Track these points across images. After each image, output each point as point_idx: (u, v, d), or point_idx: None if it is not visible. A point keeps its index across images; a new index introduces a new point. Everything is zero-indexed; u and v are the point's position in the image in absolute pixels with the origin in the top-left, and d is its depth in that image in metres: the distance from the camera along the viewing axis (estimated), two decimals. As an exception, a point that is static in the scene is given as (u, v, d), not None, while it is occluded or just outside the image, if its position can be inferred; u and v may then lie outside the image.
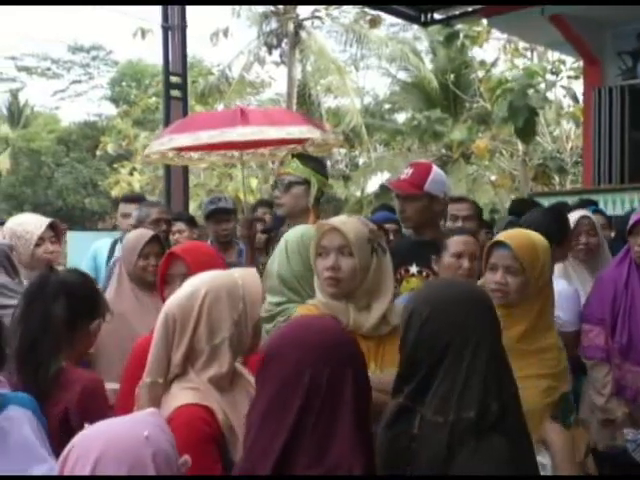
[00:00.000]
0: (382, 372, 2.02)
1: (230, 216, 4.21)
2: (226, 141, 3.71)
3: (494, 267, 2.24)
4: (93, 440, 1.25)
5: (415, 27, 17.38)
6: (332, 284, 2.13)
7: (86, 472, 1.19)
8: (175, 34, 6.54)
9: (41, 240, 3.19)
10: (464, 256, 2.77)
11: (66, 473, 1.23)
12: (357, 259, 2.11)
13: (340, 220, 2.20)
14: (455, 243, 2.81)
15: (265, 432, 1.35)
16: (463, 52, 14.46)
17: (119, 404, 2.19)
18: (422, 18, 7.90)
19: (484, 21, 9.25)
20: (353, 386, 1.39)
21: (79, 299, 2.22)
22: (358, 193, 20.28)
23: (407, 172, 3.11)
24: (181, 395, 1.66)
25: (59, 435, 1.86)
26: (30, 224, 3.25)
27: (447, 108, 16.07)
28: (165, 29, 6.58)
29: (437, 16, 7.95)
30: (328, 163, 21.43)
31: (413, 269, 2.98)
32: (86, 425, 1.33)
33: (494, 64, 14.88)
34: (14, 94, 31.13)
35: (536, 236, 2.29)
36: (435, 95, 16.78)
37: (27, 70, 31.37)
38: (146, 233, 3.13)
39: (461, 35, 10.80)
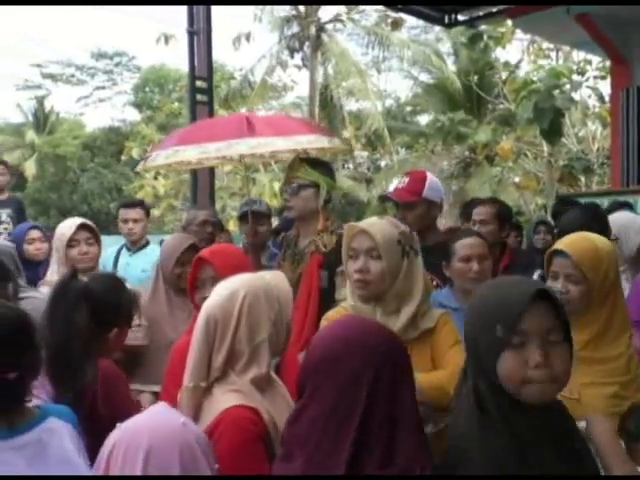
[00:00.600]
0: None
1: (263, 219, 4.22)
2: (235, 154, 3.72)
3: (555, 275, 2.17)
4: (136, 432, 1.27)
5: (437, 29, 17.39)
6: (361, 286, 2.15)
7: (139, 461, 1.22)
8: (200, 38, 6.57)
9: (75, 242, 3.24)
10: (473, 259, 2.79)
11: (115, 469, 1.24)
12: (385, 262, 2.11)
13: (369, 222, 2.21)
14: (462, 247, 2.82)
15: (327, 434, 1.35)
16: (486, 53, 14.34)
17: None
18: (446, 20, 7.85)
19: (508, 22, 9.16)
20: (410, 387, 1.40)
21: (101, 307, 2.23)
22: (380, 196, 20.18)
23: (404, 181, 3.25)
24: (225, 398, 1.67)
25: (88, 424, 1.91)
26: (64, 227, 3.33)
27: (470, 110, 15.95)
28: (191, 34, 6.61)
29: (461, 17, 7.90)
30: (350, 166, 21.46)
31: None
32: (118, 425, 1.35)
33: (518, 65, 14.74)
34: (40, 101, 31.61)
35: (598, 240, 2.19)
36: (458, 97, 16.68)
37: (52, 77, 31.87)
38: (184, 241, 3.13)
39: (485, 36, 10.70)
